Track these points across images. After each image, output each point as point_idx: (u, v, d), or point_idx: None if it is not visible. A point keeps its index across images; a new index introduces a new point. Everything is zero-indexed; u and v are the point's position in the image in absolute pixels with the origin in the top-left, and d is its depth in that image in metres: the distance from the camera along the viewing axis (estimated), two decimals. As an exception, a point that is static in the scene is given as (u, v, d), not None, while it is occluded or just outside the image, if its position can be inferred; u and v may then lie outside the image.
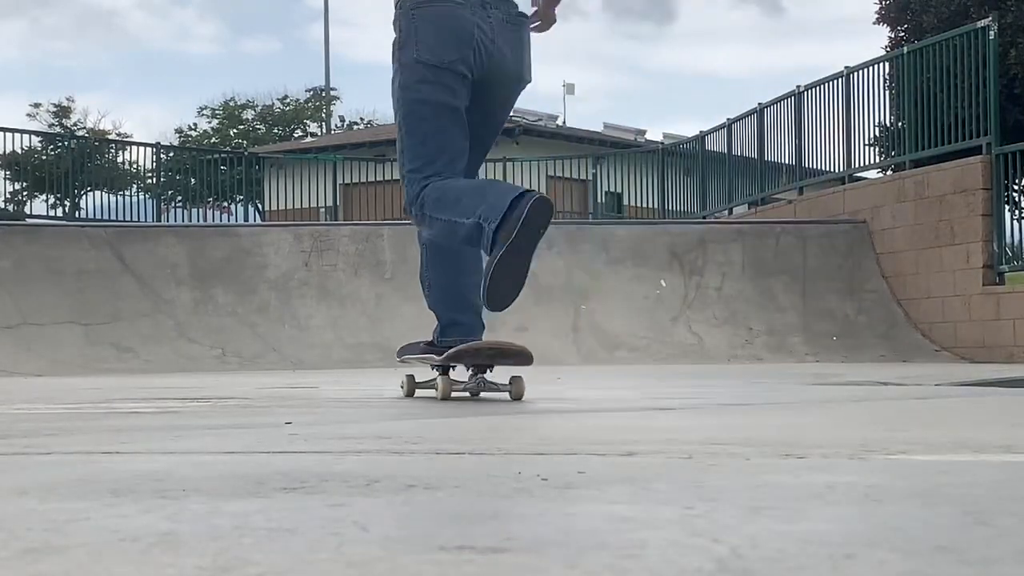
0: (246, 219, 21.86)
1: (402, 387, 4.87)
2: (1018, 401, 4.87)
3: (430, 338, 4.63)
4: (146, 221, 18.95)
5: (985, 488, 1.86)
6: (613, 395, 5.54)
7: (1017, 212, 14.17)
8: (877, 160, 14.98)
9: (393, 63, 4.41)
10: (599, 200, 22.97)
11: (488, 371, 4.50)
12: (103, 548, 1.34)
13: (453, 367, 4.55)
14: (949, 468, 2.15)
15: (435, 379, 4.58)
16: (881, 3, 18.43)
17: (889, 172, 14.22)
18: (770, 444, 2.59)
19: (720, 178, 18.06)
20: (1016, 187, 14.63)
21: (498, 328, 12.73)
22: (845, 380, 6.96)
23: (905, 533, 1.41)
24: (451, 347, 4.41)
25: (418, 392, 4.78)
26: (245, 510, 1.61)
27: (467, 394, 4.54)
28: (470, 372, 4.54)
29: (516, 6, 4.40)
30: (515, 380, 4.44)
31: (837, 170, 14.67)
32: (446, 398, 4.48)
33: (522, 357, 4.49)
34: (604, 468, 2.13)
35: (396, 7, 4.41)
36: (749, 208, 17.15)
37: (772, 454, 2.36)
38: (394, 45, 4.39)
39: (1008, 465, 2.23)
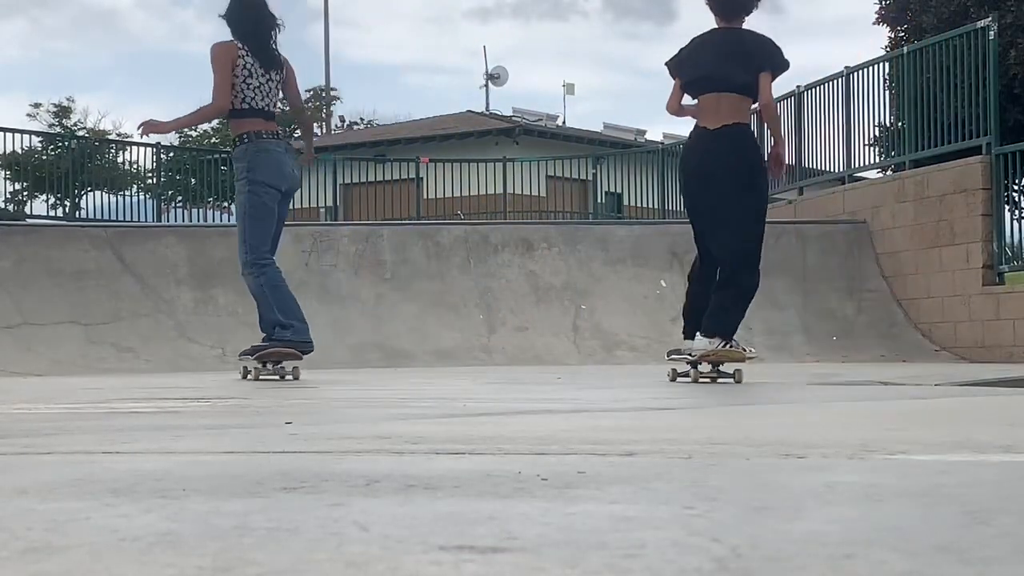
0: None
1: (240, 372, 7.51)
2: (1018, 401, 4.87)
3: (261, 343, 7.33)
4: (146, 221, 18.93)
5: (985, 488, 1.86)
6: (613, 395, 5.54)
7: (1017, 212, 14.15)
8: (877, 160, 14.97)
9: (240, 178, 7.26)
10: (599, 200, 22.96)
11: (281, 363, 7.24)
12: (103, 548, 1.34)
13: (267, 362, 7.29)
14: (949, 468, 2.15)
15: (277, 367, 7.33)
16: (881, 3, 18.43)
17: (889, 172, 14.22)
18: (770, 444, 2.59)
19: (720, 178, 18.05)
20: (1016, 187, 14.63)
21: (498, 328, 12.75)
22: (845, 380, 6.96)
23: (905, 533, 1.41)
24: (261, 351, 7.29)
25: (264, 376, 7.26)
26: (245, 510, 1.61)
27: (276, 377, 7.23)
28: (270, 365, 7.26)
29: (293, 147, 7.88)
30: (294, 369, 7.23)
31: (837, 170, 14.67)
32: (256, 379, 7.15)
33: (291, 355, 7.19)
34: (604, 468, 2.13)
35: (238, 146, 7.26)
36: (749, 208, 17.15)
37: (772, 454, 2.36)
38: (241, 169, 7.25)
39: (1008, 465, 2.23)
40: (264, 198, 7.19)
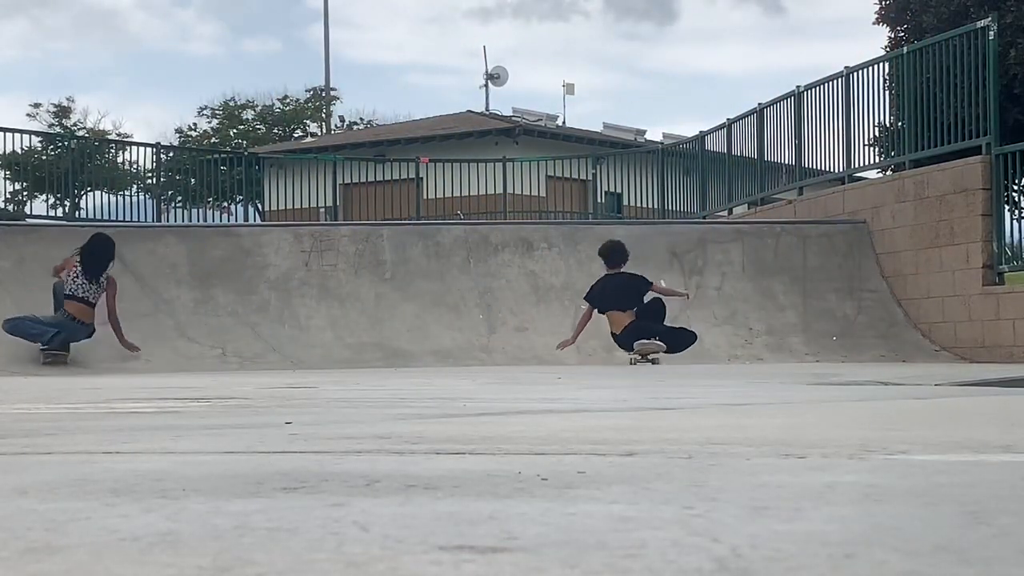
0: (246, 219, 21.86)
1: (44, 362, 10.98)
2: (1018, 401, 4.87)
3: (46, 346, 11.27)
4: (146, 221, 18.94)
5: (985, 488, 1.86)
6: (613, 395, 5.55)
7: (1017, 212, 14.14)
8: (877, 160, 14.96)
9: (99, 323, 11.28)
10: (599, 200, 22.97)
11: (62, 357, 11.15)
12: (103, 548, 1.34)
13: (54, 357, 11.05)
14: (949, 468, 2.15)
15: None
16: (881, 3, 18.41)
17: (889, 172, 14.22)
18: (770, 444, 2.59)
19: (720, 178, 18.05)
20: (1016, 187, 14.61)
21: (498, 328, 12.76)
22: (845, 380, 6.97)
23: (905, 533, 1.41)
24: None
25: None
26: (245, 510, 1.61)
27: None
28: (48, 360, 11.03)
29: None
30: (65, 360, 11.10)
31: (837, 170, 14.66)
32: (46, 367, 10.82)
33: (60, 359, 10.99)
34: (604, 468, 2.13)
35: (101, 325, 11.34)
36: (749, 208, 17.15)
37: (772, 454, 2.36)
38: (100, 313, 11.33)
39: (1008, 465, 2.23)
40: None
